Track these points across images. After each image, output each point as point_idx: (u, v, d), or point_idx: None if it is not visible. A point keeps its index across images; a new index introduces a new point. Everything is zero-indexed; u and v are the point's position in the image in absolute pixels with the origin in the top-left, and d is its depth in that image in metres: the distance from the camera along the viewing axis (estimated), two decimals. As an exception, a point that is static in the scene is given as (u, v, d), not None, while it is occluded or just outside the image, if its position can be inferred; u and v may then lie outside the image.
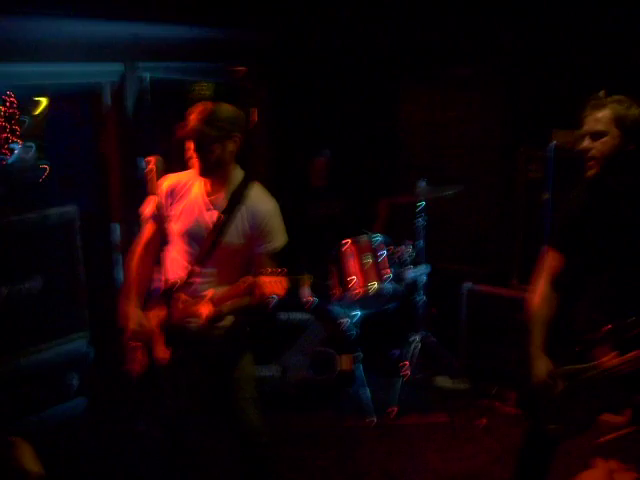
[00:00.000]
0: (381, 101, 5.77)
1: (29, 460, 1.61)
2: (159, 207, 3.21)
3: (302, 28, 5.54)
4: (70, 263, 4.26)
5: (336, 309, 4.64)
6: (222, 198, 3.11)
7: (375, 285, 4.47)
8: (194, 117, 3.00)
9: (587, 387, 2.79)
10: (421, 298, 4.83)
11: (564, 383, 2.82)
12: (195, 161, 3.04)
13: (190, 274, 3.11)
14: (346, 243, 4.59)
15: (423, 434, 4.36)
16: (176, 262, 3.17)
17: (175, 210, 3.16)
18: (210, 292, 3.00)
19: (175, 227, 3.16)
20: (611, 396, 2.80)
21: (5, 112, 5.52)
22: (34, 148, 5.38)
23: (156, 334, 3.11)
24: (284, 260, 3.00)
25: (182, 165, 3.20)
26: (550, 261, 2.98)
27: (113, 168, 5.01)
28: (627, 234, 2.79)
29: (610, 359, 2.74)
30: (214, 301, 2.97)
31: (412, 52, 5.49)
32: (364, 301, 4.58)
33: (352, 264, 4.53)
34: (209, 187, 3.12)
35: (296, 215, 5.19)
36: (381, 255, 4.57)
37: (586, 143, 2.76)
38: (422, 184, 4.72)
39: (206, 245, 3.08)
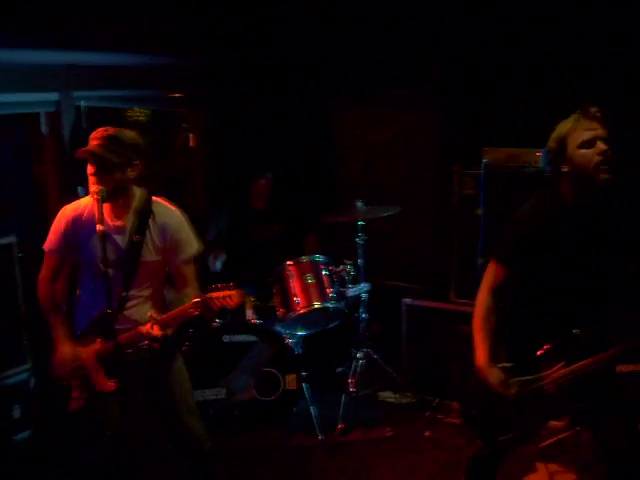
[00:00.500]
0: (317, 123, 5.88)
1: None
2: (62, 238, 3.17)
3: (238, 53, 5.61)
4: (10, 294, 4.21)
5: (280, 329, 4.68)
6: (129, 219, 3.13)
7: (317, 304, 4.55)
8: (95, 142, 2.99)
9: (535, 397, 2.86)
10: (363, 315, 4.90)
11: (517, 392, 2.86)
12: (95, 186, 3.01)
13: (118, 300, 3.10)
14: (288, 264, 4.66)
15: (370, 449, 4.42)
16: (96, 291, 3.08)
17: (81, 239, 3.13)
18: (151, 314, 3.01)
19: (85, 256, 3.13)
20: (557, 404, 2.87)
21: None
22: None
23: (94, 366, 3.09)
24: (227, 281, 3.04)
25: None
26: (494, 274, 2.97)
27: (51, 197, 4.99)
28: (595, 252, 2.81)
29: (557, 370, 2.83)
30: (161, 323, 2.98)
31: (347, 74, 5.61)
32: (307, 320, 4.65)
33: (295, 284, 4.59)
34: (113, 211, 3.12)
35: (238, 237, 5.26)
36: (322, 274, 4.65)
37: (603, 146, 2.71)
38: (359, 204, 4.82)
39: (126, 268, 3.10)
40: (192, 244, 3.23)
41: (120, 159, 3.03)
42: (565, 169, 2.79)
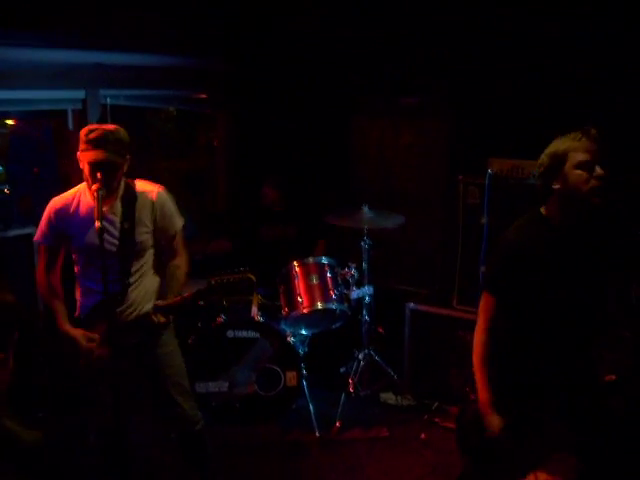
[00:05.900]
0: (334, 128, 5.97)
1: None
2: (51, 229, 3.32)
3: (260, 57, 5.76)
4: (29, 281, 4.41)
5: (283, 327, 4.80)
6: (117, 207, 3.29)
7: (320, 305, 4.67)
8: (102, 149, 3.11)
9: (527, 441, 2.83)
10: (366, 317, 5.01)
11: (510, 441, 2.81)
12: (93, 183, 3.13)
13: (119, 283, 3.26)
14: (295, 264, 4.80)
15: (365, 447, 4.52)
16: (95, 278, 3.25)
17: (72, 229, 3.29)
18: (156, 303, 3.24)
19: (79, 245, 3.29)
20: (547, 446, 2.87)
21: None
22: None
23: (100, 347, 3.24)
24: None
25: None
26: (487, 305, 2.92)
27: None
28: (581, 271, 2.78)
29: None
30: (164, 309, 3.22)
31: (363, 82, 5.73)
32: (310, 320, 4.79)
33: (299, 284, 4.73)
34: (103, 201, 3.16)
35: (251, 236, 5.42)
36: (327, 276, 4.77)
37: (601, 171, 2.72)
38: (365, 209, 4.92)
39: (122, 253, 3.26)
40: (177, 217, 3.44)
41: (123, 159, 3.22)
42: (557, 186, 2.78)
